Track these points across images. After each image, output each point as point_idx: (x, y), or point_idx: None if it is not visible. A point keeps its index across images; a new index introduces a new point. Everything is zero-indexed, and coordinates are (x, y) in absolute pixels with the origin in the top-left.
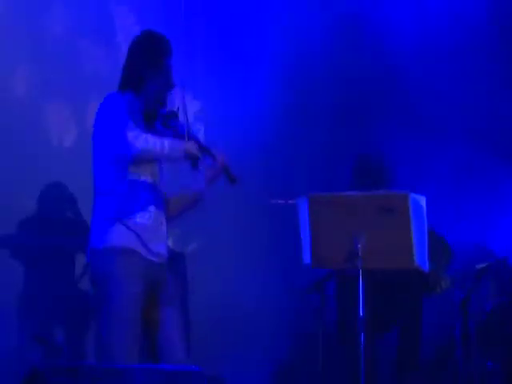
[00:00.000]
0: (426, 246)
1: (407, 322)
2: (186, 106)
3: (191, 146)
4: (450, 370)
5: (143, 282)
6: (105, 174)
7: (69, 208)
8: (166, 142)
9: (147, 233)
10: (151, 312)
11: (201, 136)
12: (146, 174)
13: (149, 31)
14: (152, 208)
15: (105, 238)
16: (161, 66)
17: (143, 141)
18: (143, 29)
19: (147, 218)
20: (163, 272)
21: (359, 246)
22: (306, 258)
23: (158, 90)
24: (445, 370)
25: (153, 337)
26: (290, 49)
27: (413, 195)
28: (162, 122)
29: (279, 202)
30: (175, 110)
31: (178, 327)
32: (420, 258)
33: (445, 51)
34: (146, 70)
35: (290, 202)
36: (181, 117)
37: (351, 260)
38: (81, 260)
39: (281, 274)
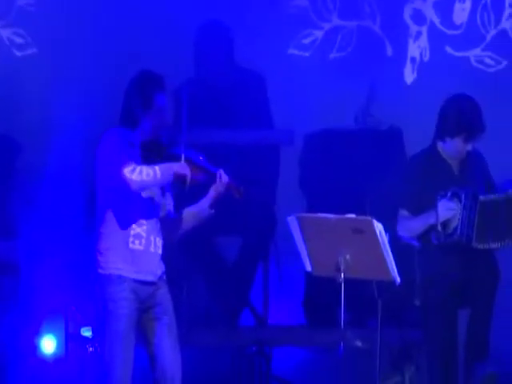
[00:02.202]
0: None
1: (479, 305)
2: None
3: (179, 167)
4: None
5: (135, 302)
6: (104, 206)
7: None
8: (157, 168)
9: (140, 257)
10: (148, 324)
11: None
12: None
13: (143, 71)
14: (144, 233)
15: (104, 266)
16: (151, 105)
17: (138, 173)
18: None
19: (139, 243)
20: (155, 289)
21: (341, 259)
22: (307, 266)
23: (152, 126)
24: None
25: (149, 346)
26: None
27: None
28: (157, 154)
29: None
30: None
31: (169, 338)
32: (393, 270)
33: None
34: (138, 109)
35: None
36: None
37: (337, 271)
38: None
39: None
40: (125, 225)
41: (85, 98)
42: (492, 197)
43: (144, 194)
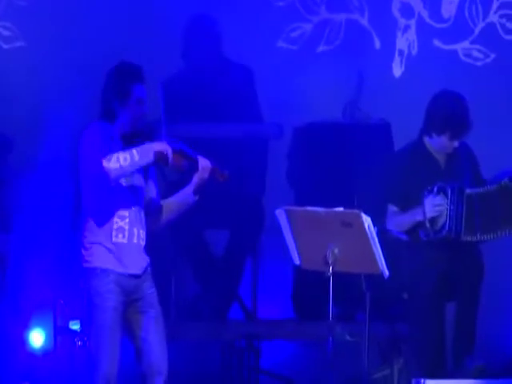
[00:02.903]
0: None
1: (464, 298)
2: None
3: (158, 145)
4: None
5: (120, 295)
6: (89, 199)
7: None
8: (134, 151)
9: (124, 250)
10: (133, 318)
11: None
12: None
13: (120, 62)
14: (127, 226)
15: (89, 260)
16: (129, 97)
17: (115, 160)
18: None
19: (122, 237)
20: (140, 282)
21: (329, 253)
22: (296, 259)
23: (131, 118)
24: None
25: (136, 340)
26: None
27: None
28: (139, 145)
29: None
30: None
31: (156, 331)
32: (381, 263)
33: None
34: (116, 102)
35: None
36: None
37: (326, 264)
38: None
39: None
40: (101, 222)
41: (72, 92)
42: (480, 190)
43: (124, 183)
